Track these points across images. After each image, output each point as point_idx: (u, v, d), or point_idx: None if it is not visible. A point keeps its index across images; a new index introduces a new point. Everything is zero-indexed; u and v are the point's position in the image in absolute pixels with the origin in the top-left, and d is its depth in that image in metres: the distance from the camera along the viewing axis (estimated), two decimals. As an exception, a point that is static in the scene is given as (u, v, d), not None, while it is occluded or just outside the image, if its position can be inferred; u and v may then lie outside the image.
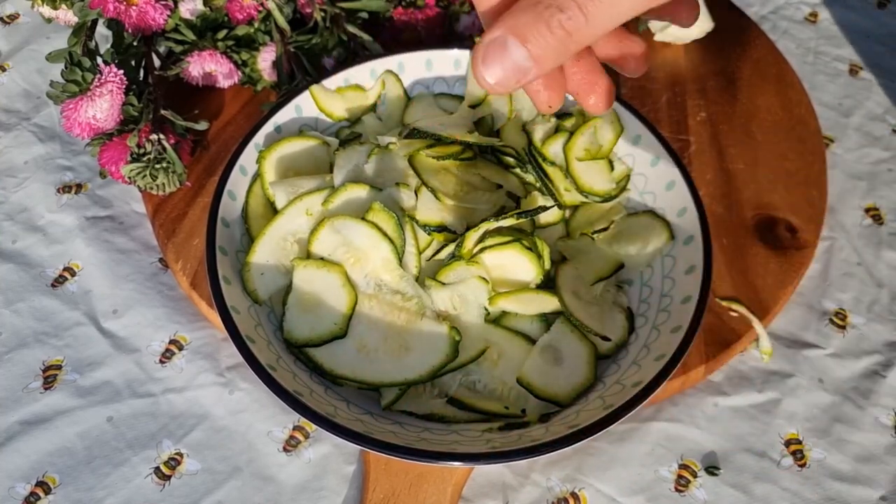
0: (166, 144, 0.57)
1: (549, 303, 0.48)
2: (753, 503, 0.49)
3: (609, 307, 0.51)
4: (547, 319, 0.49)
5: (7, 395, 0.53)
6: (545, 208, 0.50)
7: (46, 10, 0.64)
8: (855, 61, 0.80)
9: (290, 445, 0.51)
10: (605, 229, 0.54)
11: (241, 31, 0.66)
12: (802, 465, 0.50)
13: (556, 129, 0.57)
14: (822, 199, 0.63)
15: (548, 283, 0.50)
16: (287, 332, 0.47)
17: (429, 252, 0.50)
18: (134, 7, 0.59)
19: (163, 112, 0.59)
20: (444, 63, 0.62)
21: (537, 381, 0.46)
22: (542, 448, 0.40)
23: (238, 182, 0.53)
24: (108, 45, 0.61)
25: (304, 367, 0.47)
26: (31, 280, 0.60)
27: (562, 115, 0.58)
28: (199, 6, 0.63)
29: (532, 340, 0.48)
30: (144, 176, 0.57)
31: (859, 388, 0.54)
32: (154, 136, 0.57)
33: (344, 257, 0.49)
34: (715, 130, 0.68)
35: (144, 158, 0.57)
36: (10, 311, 0.58)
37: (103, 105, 0.56)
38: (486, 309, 0.48)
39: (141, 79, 0.63)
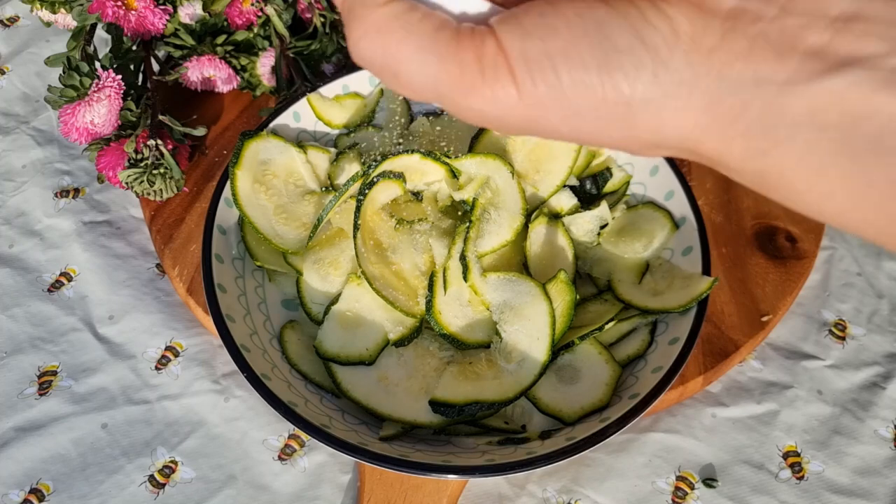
0: (164, 150, 0.57)
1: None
2: (751, 516, 0.48)
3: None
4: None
5: (2, 401, 0.53)
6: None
7: (45, 14, 0.64)
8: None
9: (286, 454, 0.51)
10: (605, 226, 0.54)
11: (240, 36, 0.66)
12: (801, 478, 0.50)
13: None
14: (823, 209, 0.62)
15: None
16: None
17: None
18: (133, 11, 0.59)
19: (161, 117, 0.59)
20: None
21: (544, 395, 0.46)
22: (538, 461, 0.39)
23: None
24: (107, 50, 0.61)
25: (300, 376, 0.46)
26: (28, 285, 0.59)
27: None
28: (199, 11, 0.63)
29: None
30: (142, 181, 0.56)
31: (859, 399, 0.54)
32: (152, 142, 0.57)
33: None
34: (715, 138, 0.68)
35: (142, 164, 0.56)
36: (6, 315, 0.57)
37: (101, 110, 0.56)
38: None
39: (139, 83, 0.63)
